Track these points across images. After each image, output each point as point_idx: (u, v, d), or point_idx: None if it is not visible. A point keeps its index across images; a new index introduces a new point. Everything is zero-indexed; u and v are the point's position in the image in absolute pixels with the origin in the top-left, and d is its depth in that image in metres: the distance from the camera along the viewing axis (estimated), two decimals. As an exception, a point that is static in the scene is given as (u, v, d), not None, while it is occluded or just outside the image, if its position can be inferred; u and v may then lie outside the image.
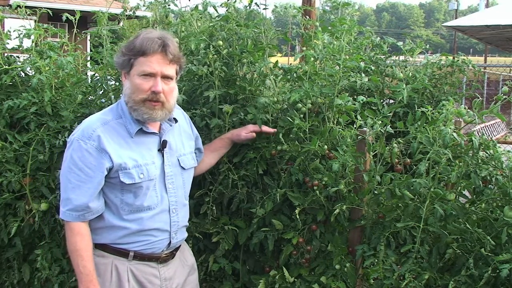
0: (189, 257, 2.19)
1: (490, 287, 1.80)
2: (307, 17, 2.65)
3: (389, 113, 2.00)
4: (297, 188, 2.24)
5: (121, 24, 3.09)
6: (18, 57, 2.69)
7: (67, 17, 2.79)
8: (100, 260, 1.92)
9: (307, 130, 2.19)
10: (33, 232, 2.53)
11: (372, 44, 2.71)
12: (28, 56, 2.65)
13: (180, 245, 2.10)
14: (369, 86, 2.48)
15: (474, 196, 1.98)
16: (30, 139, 2.47)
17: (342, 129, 2.16)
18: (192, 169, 2.12)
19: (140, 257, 1.95)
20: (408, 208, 1.93)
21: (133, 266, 1.94)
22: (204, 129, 2.38)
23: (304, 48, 2.36)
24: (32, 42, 2.64)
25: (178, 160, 2.02)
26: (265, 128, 2.25)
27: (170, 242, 2.00)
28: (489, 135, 8.52)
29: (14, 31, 2.66)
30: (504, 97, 1.85)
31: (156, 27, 2.71)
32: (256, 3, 2.44)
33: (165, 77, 1.87)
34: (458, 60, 2.59)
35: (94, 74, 2.82)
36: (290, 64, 2.46)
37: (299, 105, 2.21)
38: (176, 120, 2.04)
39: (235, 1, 2.44)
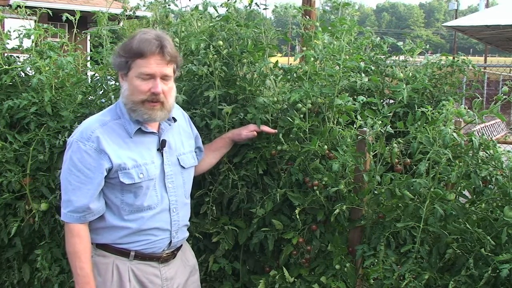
0: (190, 258, 2.19)
1: (490, 287, 1.80)
2: (307, 17, 2.65)
3: (389, 113, 2.00)
4: (297, 188, 2.24)
5: (121, 24, 3.09)
6: (18, 57, 2.69)
7: (67, 17, 2.79)
8: (101, 260, 1.92)
9: (307, 130, 2.19)
10: (33, 232, 2.53)
11: (372, 44, 2.71)
12: (28, 56, 2.65)
13: (181, 245, 2.10)
14: (369, 86, 2.48)
15: (474, 196, 1.98)
16: (30, 139, 2.47)
17: (342, 129, 2.16)
18: (192, 168, 2.12)
19: (141, 256, 1.95)
20: (408, 208, 1.93)
21: (134, 266, 1.94)
22: (204, 129, 2.38)
23: (304, 48, 2.36)
24: (32, 42, 2.64)
25: (178, 159, 2.02)
26: (265, 128, 2.25)
27: (171, 241, 2.00)
28: (489, 135, 8.52)
29: (14, 31, 2.66)
30: (504, 97, 1.85)
31: (156, 27, 2.71)
32: (256, 3, 2.44)
33: (164, 77, 1.87)
34: (458, 60, 2.59)
35: (94, 74, 2.82)
36: (290, 64, 2.46)
37: (299, 105, 2.21)
38: (175, 120, 2.04)
39: (235, 1, 2.44)
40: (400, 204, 2.01)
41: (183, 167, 2.04)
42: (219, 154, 2.29)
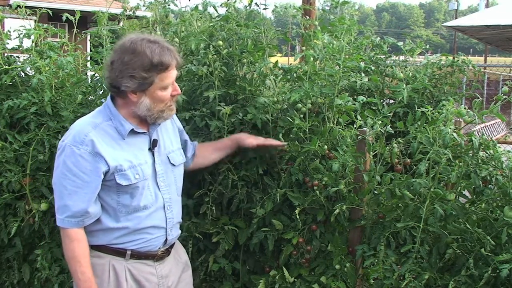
0: (182, 255, 2.19)
1: (490, 287, 1.80)
2: (307, 17, 2.65)
3: (389, 113, 2.00)
4: (297, 188, 2.24)
5: (121, 24, 3.09)
6: (18, 57, 2.68)
7: (67, 17, 2.79)
8: (97, 261, 1.91)
9: (307, 130, 2.19)
10: (33, 232, 2.53)
11: (372, 44, 2.71)
12: (28, 56, 2.65)
13: (174, 243, 2.11)
14: (369, 86, 2.48)
15: (474, 196, 1.98)
16: (30, 139, 2.47)
17: (342, 129, 2.15)
18: (182, 165, 2.12)
19: (137, 255, 1.94)
20: (408, 208, 1.93)
21: (130, 265, 1.94)
22: (204, 129, 2.38)
23: (304, 48, 2.36)
24: (32, 42, 2.64)
25: (168, 157, 2.02)
26: (273, 142, 2.24)
27: (166, 239, 2.00)
28: (489, 135, 8.52)
29: (14, 31, 2.66)
30: (504, 97, 1.85)
31: (156, 27, 2.71)
32: (256, 3, 2.44)
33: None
34: (458, 60, 2.59)
35: (94, 74, 2.82)
36: (290, 64, 2.46)
37: (299, 105, 2.21)
38: None
39: (235, 1, 2.44)
40: (400, 204, 2.01)
41: (173, 165, 2.04)
42: (223, 154, 2.28)
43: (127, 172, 1.86)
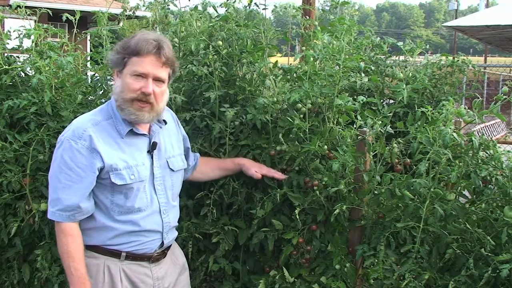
0: (179, 257, 2.18)
1: (490, 287, 1.80)
2: (307, 17, 2.65)
3: (389, 113, 2.00)
4: (297, 188, 2.24)
5: (121, 24, 3.10)
6: (18, 57, 2.68)
7: (67, 17, 2.79)
8: (92, 261, 1.91)
9: (307, 130, 2.19)
10: (33, 232, 2.53)
11: (372, 44, 2.71)
12: (28, 56, 2.65)
13: (171, 245, 2.10)
14: (369, 86, 2.48)
15: (474, 196, 1.98)
16: (30, 139, 2.47)
17: (342, 129, 2.15)
18: (182, 171, 2.12)
19: (132, 257, 1.94)
20: (408, 208, 1.93)
21: (125, 266, 1.93)
22: (204, 130, 2.38)
23: (304, 48, 2.36)
24: (32, 42, 2.63)
25: (167, 161, 2.01)
26: (276, 175, 2.25)
27: (162, 242, 2.00)
28: (489, 135, 8.52)
29: (14, 31, 2.66)
30: (504, 97, 1.85)
31: (155, 27, 2.71)
32: (255, 3, 2.44)
33: (157, 80, 1.87)
34: (458, 60, 2.59)
35: (94, 74, 2.82)
36: (290, 64, 2.46)
37: (299, 105, 2.21)
38: (165, 122, 2.04)
39: (235, 1, 2.44)
40: (400, 204, 2.01)
41: (172, 170, 2.03)
42: (223, 174, 2.31)
43: (122, 172, 1.86)
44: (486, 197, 1.91)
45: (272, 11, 2.79)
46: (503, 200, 1.89)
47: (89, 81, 2.79)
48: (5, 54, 2.65)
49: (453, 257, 1.90)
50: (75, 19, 2.83)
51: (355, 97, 2.11)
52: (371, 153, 2.01)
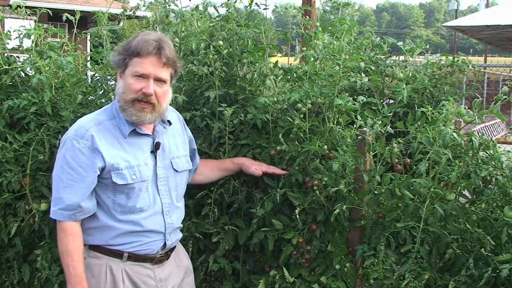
0: (184, 259, 2.17)
1: (490, 287, 1.80)
2: (307, 17, 2.65)
3: (389, 113, 2.00)
4: (297, 188, 2.24)
5: (121, 24, 3.09)
6: (18, 57, 2.68)
7: (67, 17, 2.79)
8: (94, 261, 1.91)
9: (307, 130, 2.19)
10: (33, 232, 2.53)
11: (372, 44, 2.71)
12: (28, 56, 2.65)
13: (175, 246, 2.10)
14: (369, 86, 2.48)
15: (474, 196, 1.98)
16: (30, 139, 2.47)
17: (342, 129, 2.15)
18: (186, 172, 2.11)
19: (135, 258, 1.94)
20: (408, 208, 1.93)
21: (128, 267, 1.93)
22: (204, 129, 2.38)
23: (304, 48, 2.36)
24: (32, 42, 2.63)
25: (171, 162, 2.01)
26: (276, 170, 2.25)
27: (165, 243, 1.99)
28: (489, 135, 8.52)
29: (14, 31, 2.66)
30: (504, 97, 1.85)
31: (156, 27, 2.71)
32: (256, 3, 2.44)
33: (158, 80, 1.87)
34: (458, 60, 2.59)
35: (94, 74, 2.82)
36: (290, 64, 2.46)
37: (299, 105, 2.21)
38: (170, 123, 2.04)
39: (236, 1, 2.44)
40: (400, 204, 2.01)
41: (176, 171, 2.03)
42: (223, 175, 2.31)
43: (123, 171, 1.86)
44: (486, 197, 1.91)
45: (273, 11, 2.81)
46: (503, 200, 1.89)
47: (89, 81, 2.79)
48: (5, 54, 2.65)
49: (453, 257, 1.90)
50: (75, 19, 2.82)
51: (355, 97, 2.11)
52: (371, 153, 2.01)
